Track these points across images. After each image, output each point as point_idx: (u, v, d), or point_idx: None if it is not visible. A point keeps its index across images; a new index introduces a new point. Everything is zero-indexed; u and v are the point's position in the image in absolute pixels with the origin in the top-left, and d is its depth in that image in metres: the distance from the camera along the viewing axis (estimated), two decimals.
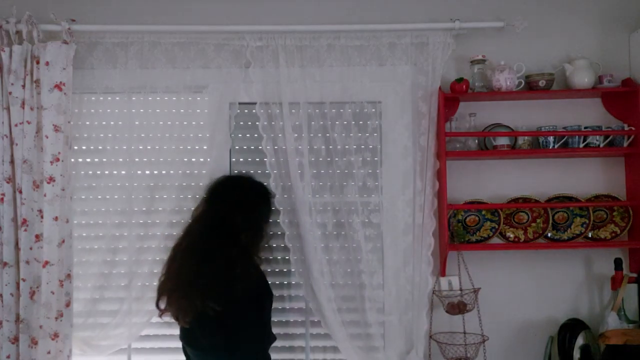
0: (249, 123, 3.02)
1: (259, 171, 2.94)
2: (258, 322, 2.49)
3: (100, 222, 2.98)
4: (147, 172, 2.96)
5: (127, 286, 2.91)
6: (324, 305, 2.85)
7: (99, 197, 2.98)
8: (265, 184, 2.81)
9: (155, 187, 2.96)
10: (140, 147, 2.96)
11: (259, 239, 2.59)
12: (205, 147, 2.96)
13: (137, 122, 2.96)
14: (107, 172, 2.98)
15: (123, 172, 2.95)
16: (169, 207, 2.93)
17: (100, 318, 2.94)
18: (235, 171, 2.99)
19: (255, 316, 2.47)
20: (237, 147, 3.03)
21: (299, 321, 3.00)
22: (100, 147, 3.00)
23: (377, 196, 2.95)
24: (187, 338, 2.58)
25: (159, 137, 2.97)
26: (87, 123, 3.00)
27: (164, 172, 2.96)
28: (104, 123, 3.00)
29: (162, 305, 2.54)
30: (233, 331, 2.42)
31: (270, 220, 2.80)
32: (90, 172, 2.99)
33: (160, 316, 2.57)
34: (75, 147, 2.96)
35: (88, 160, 3.00)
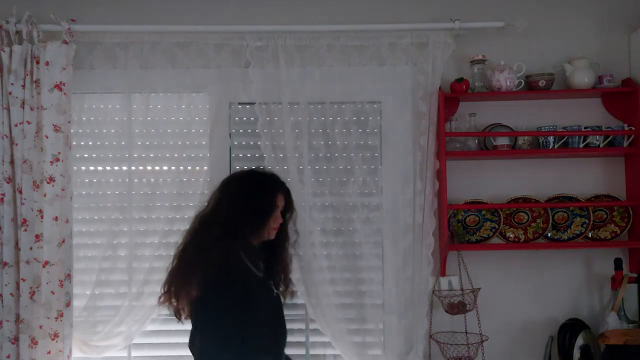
0: (249, 123, 3.02)
1: (257, 165, 2.93)
2: (220, 322, 2.28)
3: (100, 220, 2.98)
4: (146, 173, 2.96)
5: (126, 285, 2.91)
6: (324, 307, 2.85)
7: (99, 194, 2.98)
8: (272, 173, 2.68)
9: (155, 187, 2.95)
10: (140, 147, 2.96)
11: (244, 220, 2.41)
12: (204, 147, 2.96)
13: (137, 122, 2.96)
14: (107, 171, 2.98)
15: (123, 170, 2.95)
16: (167, 207, 2.94)
17: (100, 318, 2.94)
18: (238, 167, 2.99)
19: (215, 314, 2.28)
20: (236, 145, 3.03)
21: (299, 315, 2.97)
22: (100, 147, 2.99)
23: (377, 196, 2.95)
24: None
25: (159, 137, 2.97)
26: (87, 123, 3.00)
27: (164, 170, 2.96)
28: (104, 123, 3.00)
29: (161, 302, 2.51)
30: (193, 330, 2.38)
31: (267, 213, 2.51)
32: (90, 172, 2.99)
33: (178, 320, 2.51)
34: (75, 147, 2.96)
35: (88, 160, 3.00)
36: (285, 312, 2.77)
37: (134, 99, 2.96)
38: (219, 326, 2.27)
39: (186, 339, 2.99)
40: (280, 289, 2.61)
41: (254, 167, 2.76)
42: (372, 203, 2.95)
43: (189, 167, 2.97)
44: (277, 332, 2.49)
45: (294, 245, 2.73)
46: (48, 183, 2.80)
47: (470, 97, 2.94)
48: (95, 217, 2.99)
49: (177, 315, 2.48)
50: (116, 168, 2.97)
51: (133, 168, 2.96)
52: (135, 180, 2.95)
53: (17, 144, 2.83)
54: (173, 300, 2.44)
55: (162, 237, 2.92)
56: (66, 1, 2.98)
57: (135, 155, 2.96)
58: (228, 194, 2.50)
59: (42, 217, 2.80)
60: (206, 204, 2.58)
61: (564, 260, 3.01)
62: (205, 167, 2.96)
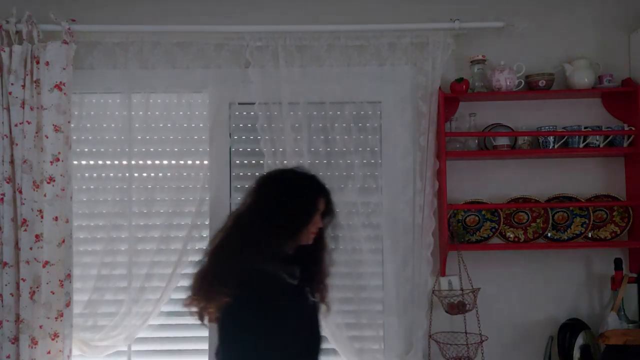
0: (248, 123, 3.02)
1: (257, 165, 2.95)
2: (249, 330, 2.14)
3: (99, 219, 2.98)
4: (146, 172, 2.97)
5: (126, 287, 2.92)
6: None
7: (99, 194, 2.98)
8: (311, 175, 2.40)
9: (154, 188, 2.96)
10: (140, 147, 2.96)
11: (282, 222, 2.23)
12: (204, 147, 2.96)
13: (136, 122, 2.96)
14: (106, 171, 2.98)
15: (123, 170, 2.95)
16: (167, 208, 2.94)
17: (99, 318, 2.94)
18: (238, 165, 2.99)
19: (244, 321, 2.15)
20: (236, 145, 3.03)
21: None
22: (99, 147, 2.99)
23: (377, 196, 2.96)
24: None
25: (159, 137, 2.97)
26: (87, 123, 3.00)
27: (164, 169, 2.97)
28: (104, 123, 3.00)
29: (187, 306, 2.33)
30: (219, 337, 2.22)
31: (307, 217, 2.30)
32: (90, 172, 2.99)
33: (201, 322, 2.31)
34: (76, 148, 2.96)
35: (88, 160, 3.00)
36: None
37: (134, 99, 2.96)
38: (248, 335, 2.14)
39: (186, 340, 3.00)
40: (317, 297, 2.39)
41: (293, 167, 2.54)
42: (372, 203, 2.95)
43: (189, 167, 2.97)
44: (310, 341, 2.32)
45: (332, 252, 2.50)
46: (48, 183, 2.80)
47: (470, 97, 2.94)
48: (95, 212, 2.98)
49: (201, 317, 2.28)
50: (116, 172, 2.96)
51: (134, 174, 2.95)
52: (133, 186, 2.95)
53: (17, 144, 2.83)
54: (201, 303, 2.26)
55: (161, 238, 2.93)
56: (66, 1, 2.98)
57: (134, 157, 2.95)
58: (266, 193, 2.30)
59: (42, 217, 2.80)
60: (241, 202, 2.38)
61: (564, 260, 3.01)
62: (206, 168, 2.95)
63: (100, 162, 3.00)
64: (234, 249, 2.21)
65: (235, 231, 2.27)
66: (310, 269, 2.37)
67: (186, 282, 2.93)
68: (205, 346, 2.92)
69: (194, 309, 2.28)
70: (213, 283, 2.21)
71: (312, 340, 2.33)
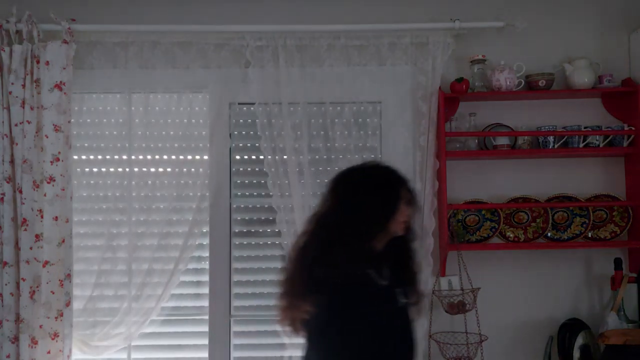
0: (249, 123, 3.02)
1: (257, 164, 2.97)
2: (339, 338, 2.06)
3: (100, 220, 2.97)
4: (146, 173, 2.96)
5: (126, 285, 2.92)
6: None
7: (99, 194, 2.98)
8: (392, 169, 2.29)
9: (154, 188, 2.96)
10: (140, 147, 2.96)
11: (369, 215, 2.13)
12: (204, 147, 2.96)
13: (137, 122, 2.96)
14: (106, 171, 2.98)
15: (123, 170, 2.95)
16: (167, 208, 2.94)
17: (100, 315, 2.94)
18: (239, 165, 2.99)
19: (331, 328, 2.07)
20: (236, 145, 3.04)
21: None
22: (100, 147, 2.99)
23: None
24: None
25: (159, 136, 2.97)
26: (87, 122, 3.00)
27: (163, 169, 2.97)
28: (104, 123, 3.00)
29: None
30: (306, 344, 2.13)
31: (393, 207, 2.19)
32: (90, 172, 2.99)
33: (294, 332, 2.20)
34: (75, 147, 2.96)
35: (88, 159, 3.00)
36: None
37: (134, 99, 2.96)
38: (337, 340, 2.07)
39: (186, 339, 3.01)
40: (408, 299, 2.25)
41: (366, 162, 2.41)
42: None
43: (189, 168, 2.96)
44: (401, 348, 2.18)
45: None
46: (48, 183, 2.81)
47: (470, 97, 2.94)
48: (95, 209, 2.98)
49: (293, 327, 2.17)
50: (115, 169, 2.96)
51: (134, 169, 2.95)
52: (134, 183, 2.95)
53: (17, 144, 2.83)
54: (292, 312, 2.15)
55: (161, 238, 2.93)
56: (66, 1, 2.98)
57: (134, 156, 2.95)
58: (348, 190, 2.19)
59: (42, 216, 2.80)
60: (320, 203, 2.26)
61: (564, 260, 3.01)
62: (206, 165, 2.95)
63: (99, 161, 2.99)
64: (322, 251, 2.11)
65: (321, 233, 2.16)
66: (400, 265, 2.25)
67: (187, 278, 2.98)
68: (205, 341, 2.95)
69: (286, 322, 2.17)
70: (302, 289, 2.11)
71: (404, 347, 2.19)
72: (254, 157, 3.03)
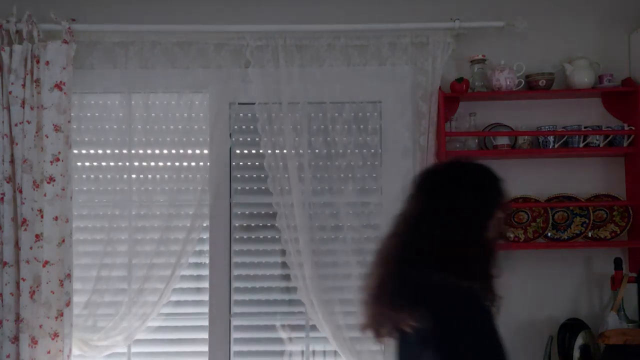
0: (249, 123, 3.02)
1: (257, 164, 2.95)
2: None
3: (100, 214, 2.97)
4: (146, 173, 2.96)
5: (127, 279, 2.91)
6: (322, 307, 2.84)
7: (99, 193, 2.98)
8: (487, 167, 2.08)
9: (154, 188, 2.95)
10: (140, 147, 2.96)
11: (479, 214, 1.90)
12: (204, 147, 2.96)
13: (137, 122, 2.95)
14: (106, 171, 2.97)
15: (123, 170, 2.94)
16: (166, 208, 2.94)
17: (101, 311, 2.93)
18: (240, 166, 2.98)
19: (449, 346, 1.72)
20: (236, 145, 3.04)
21: (299, 325, 2.99)
22: (100, 147, 2.99)
23: (376, 196, 2.95)
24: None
25: (159, 136, 2.97)
26: (87, 123, 3.00)
27: (164, 170, 2.96)
28: (104, 123, 3.00)
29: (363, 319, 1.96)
30: None
31: (492, 215, 1.94)
32: (90, 172, 2.99)
33: (379, 342, 1.98)
34: (75, 148, 2.96)
35: (88, 159, 3.00)
36: (283, 308, 2.74)
37: (134, 99, 2.96)
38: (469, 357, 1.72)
39: (186, 333, 3.00)
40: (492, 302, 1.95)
41: (456, 157, 2.22)
42: (371, 202, 2.94)
43: (189, 167, 2.96)
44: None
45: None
46: (48, 183, 2.80)
47: (470, 96, 2.94)
48: (95, 202, 2.98)
49: (378, 335, 1.93)
50: (117, 172, 2.95)
51: (134, 174, 2.95)
52: (134, 185, 2.94)
53: (17, 144, 2.83)
54: (381, 320, 1.90)
55: (162, 235, 2.92)
56: (66, 1, 2.98)
57: (135, 155, 2.95)
58: (451, 189, 1.94)
59: (42, 216, 2.80)
60: (411, 202, 2.03)
61: (564, 260, 3.01)
62: (205, 169, 2.95)
63: (99, 162, 2.99)
64: (423, 259, 1.83)
65: (417, 238, 1.88)
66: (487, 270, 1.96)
67: (186, 272, 2.97)
68: (205, 335, 2.95)
69: (371, 330, 1.93)
70: (398, 299, 1.84)
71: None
72: (254, 151, 3.03)
